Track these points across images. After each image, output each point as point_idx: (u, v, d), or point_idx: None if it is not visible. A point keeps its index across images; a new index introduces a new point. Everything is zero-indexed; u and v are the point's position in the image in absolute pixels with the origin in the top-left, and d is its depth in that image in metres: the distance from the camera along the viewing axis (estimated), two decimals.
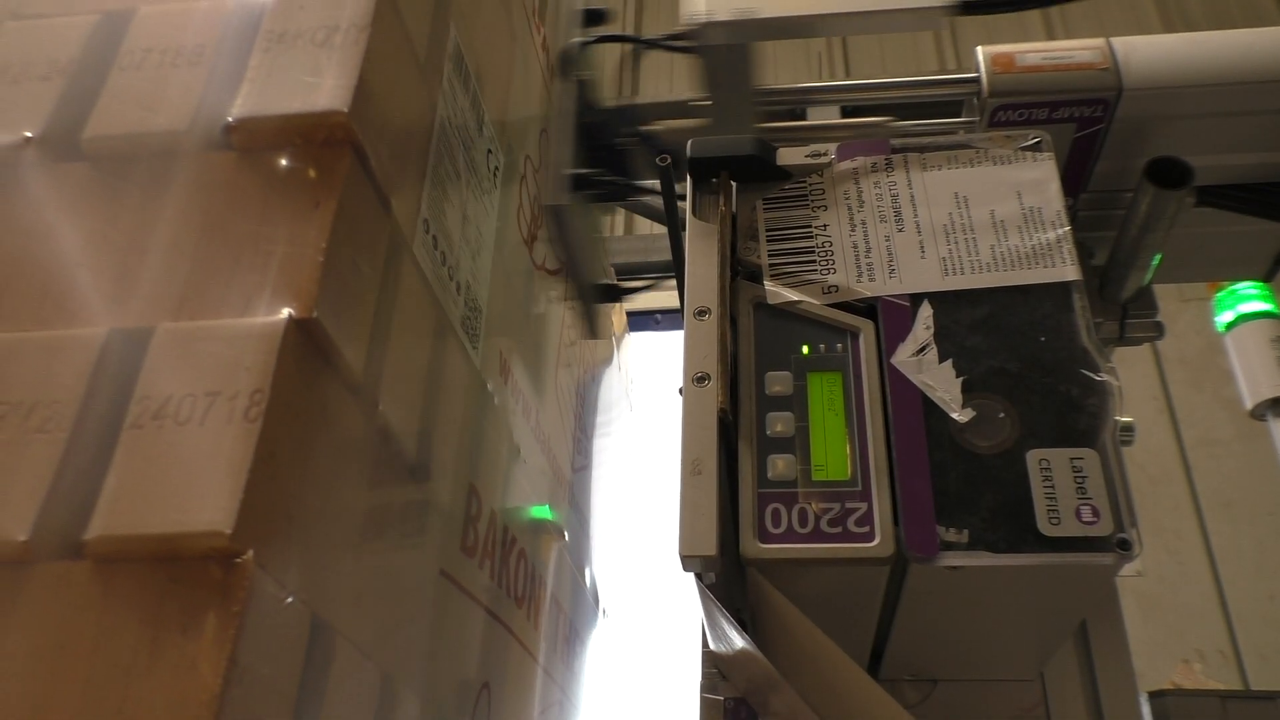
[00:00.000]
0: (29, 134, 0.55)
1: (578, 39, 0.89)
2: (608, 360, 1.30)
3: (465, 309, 0.68)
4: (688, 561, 0.49)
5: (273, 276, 0.47)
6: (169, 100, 0.54)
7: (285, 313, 0.46)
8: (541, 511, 0.91)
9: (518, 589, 0.81)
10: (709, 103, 0.82)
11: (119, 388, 0.45)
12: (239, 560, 0.40)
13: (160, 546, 0.41)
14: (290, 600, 0.43)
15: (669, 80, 3.10)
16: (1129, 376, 2.18)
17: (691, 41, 0.80)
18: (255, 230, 0.49)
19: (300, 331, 0.46)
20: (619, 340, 1.39)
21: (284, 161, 0.51)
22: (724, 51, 0.78)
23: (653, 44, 0.84)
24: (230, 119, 0.52)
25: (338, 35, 0.54)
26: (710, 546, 0.48)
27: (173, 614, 0.40)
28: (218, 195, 0.51)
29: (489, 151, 0.77)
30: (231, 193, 0.51)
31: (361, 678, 0.51)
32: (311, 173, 0.51)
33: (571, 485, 1.04)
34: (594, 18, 0.93)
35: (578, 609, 1.06)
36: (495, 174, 0.78)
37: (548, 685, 0.91)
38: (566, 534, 1.01)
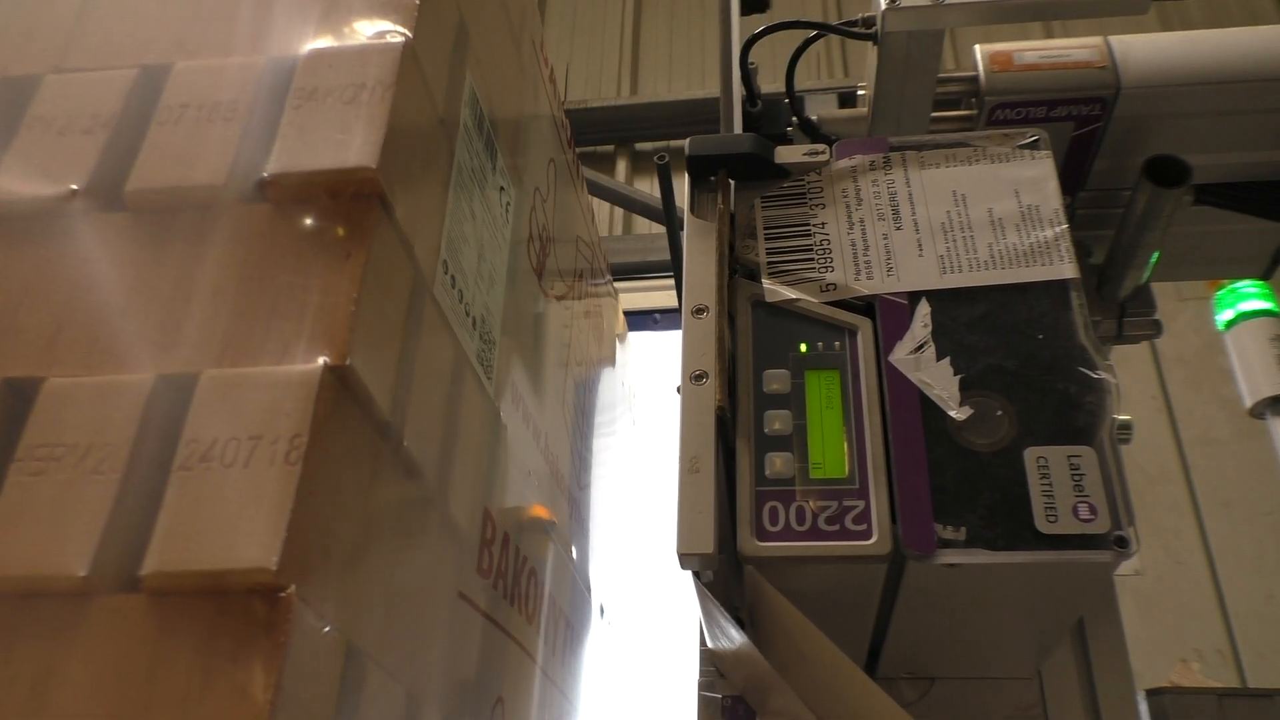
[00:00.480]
0: (75, 186, 0.57)
1: (761, 28, 0.86)
2: (610, 363, 1.30)
3: (480, 342, 0.71)
4: (685, 559, 0.49)
5: (308, 325, 0.50)
6: (206, 155, 0.56)
7: (321, 360, 0.49)
8: (549, 529, 0.93)
9: (528, 606, 0.84)
10: (875, 92, 0.79)
11: (167, 431, 0.48)
12: (283, 595, 0.43)
13: (210, 581, 0.44)
14: (328, 630, 0.46)
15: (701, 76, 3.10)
16: (1127, 376, 2.18)
17: (870, 29, 0.78)
18: (290, 281, 0.52)
19: (335, 377, 0.49)
20: (621, 339, 1.40)
21: (316, 214, 0.54)
22: (904, 39, 0.76)
23: (832, 30, 0.82)
24: (265, 174, 0.55)
25: (364, 93, 0.56)
26: (708, 544, 0.48)
27: (223, 644, 0.43)
28: (254, 247, 0.54)
29: (501, 188, 0.79)
30: (267, 244, 0.53)
31: (389, 698, 0.54)
32: (342, 225, 0.53)
33: (577, 501, 1.06)
34: (754, 5, 0.91)
35: (583, 620, 1.08)
36: (507, 209, 0.81)
37: (555, 695, 0.93)
38: (574, 549, 1.03)
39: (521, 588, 0.82)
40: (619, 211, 2.82)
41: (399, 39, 0.59)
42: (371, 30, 0.60)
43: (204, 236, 0.54)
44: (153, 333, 0.52)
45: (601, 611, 1.17)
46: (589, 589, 1.11)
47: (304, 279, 0.52)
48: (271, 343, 0.50)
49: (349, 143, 0.54)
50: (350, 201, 0.54)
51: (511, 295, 0.80)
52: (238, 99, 0.58)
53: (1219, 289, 1.56)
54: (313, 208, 0.54)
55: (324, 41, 0.60)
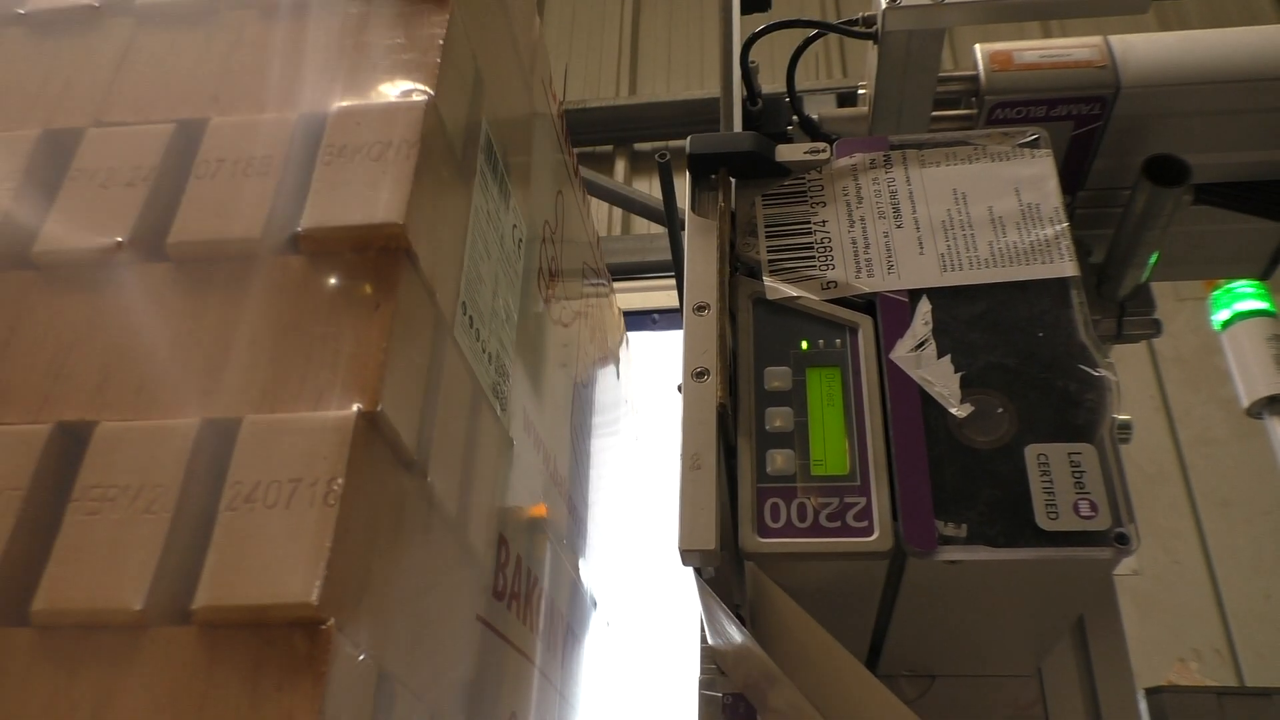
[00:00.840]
0: (120, 238, 0.59)
1: (761, 27, 0.86)
2: (609, 364, 1.31)
3: (495, 375, 0.74)
4: (687, 556, 0.49)
5: (341, 374, 0.54)
6: (242, 209, 0.59)
7: (355, 407, 0.52)
8: (554, 542, 0.95)
9: (538, 622, 0.88)
10: (875, 91, 0.80)
11: (213, 473, 0.51)
12: (323, 627, 0.47)
13: (256, 615, 0.47)
14: (363, 658, 0.49)
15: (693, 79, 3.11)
16: (1125, 376, 2.18)
17: (870, 28, 0.78)
18: (324, 331, 0.55)
19: (367, 422, 0.52)
20: (619, 340, 1.40)
21: (347, 266, 0.57)
22: (905, 38, 0.76)
23: (832, 29, 0.82)
24: (299, 229, 0.58)
25: (391, 150, 0.60)
26: (709, 540, 0.48)
27: (269, 673, 0.46)
28: (289, 297, 0.57)
29: (514, 226, 0.82)
30: (301, 295, 0.57)
31: (416, 718, 0.57)
32: (371, 276, 0.57)
33: (577, 507, 1.09)
34: (754, 4, 0.91)
35: (587, 626, 1.11)
36: (519, 245, 0.84)
37: (563, 708, 0.97)
38: (575, 555, 1.05)
39: (532, 606, 0.86)
40: (617, 211, 2.82)
41: (422, 98, 0.62)
42: (396, 90, 0.62)
43: (242, 287, 0.57)
44: (196, 379, 0.55)
45: (608, 624, 1.19)
46: (591, 596, 1.12)
47: (336, 329, 0.55)
48: (307, 390, 0.53)
49: (377, 199, 0.57)
50: (378, 254, 0.57)
51: (523, 325, 0.84)
52: (271, 154, 0.61)
53: (1215, 289, 1.56)
54: (344, 260, 0.57)
55: (352, 99, 0.62)
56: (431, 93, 0.62)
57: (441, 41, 0.64)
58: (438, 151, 0.63)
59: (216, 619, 0.47)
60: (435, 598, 0.62)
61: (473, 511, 0.69)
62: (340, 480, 0.49)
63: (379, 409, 0.52)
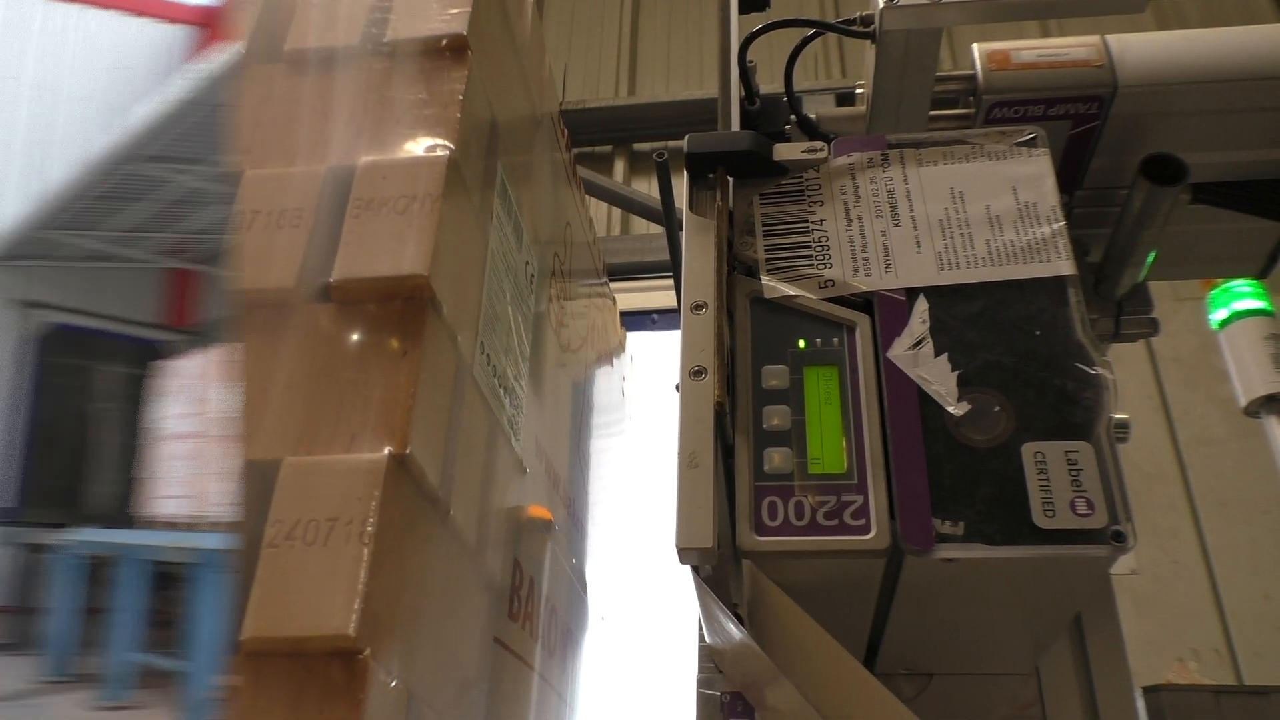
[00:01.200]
0: None
1: (758, 26, 0.87)
2: (608, 364, 1.31)
3: (510, 408, 0.78)
4: (684, 554, 0.49)
5: (372, 418, 0.57)
6: (277, 259, 0.62)
7: (386, 450, 0.55)
8: (560, 555, 0.98)
9: (551, 641, 0.93)
10: (873, 90, 0.80)
11: (256, 511, 0.55)
12: (360, 657, 0.50)
13: (297, 645, 0.51)
14: (394, 683, 0.53)
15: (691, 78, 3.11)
16: (1123, 376, 2.18)
17: (868, 27, 0.78)
18: (354, 377, 0.59)
19: (397, 464, 0.56)
20: (618, 340, 1.40)
21: (375, 315, 0.60)
22: (903, 38, 0.76)
23: (830, 28, 0.82)
24: (331, 280, 0.61)
25: (415, 204, 0.63)
26: (707, 539, 0.48)
27: (311, 699, 0.50)
28: (322, 344, 0.60)
29: (526, 262, 0.85)
30: (334, 342, 0.60)
31: None
32: (398, 324, 0.60)
33: (583, 522, 1.12)
34: (753, 4, 0.91)
35: (586, 631, 1.14)
36: (532, 280, 0.87)
37: (564, 709, 1.02)
38: (580, 568, 1.08)
39: (546, 626, 0.90)
40: (616, 211, 2.82)
41: (444, 153, 0.65)
42: (420, 146, 0.65)
43: (278, 334, 0.60)
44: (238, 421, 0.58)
45: (605, 624, 1.20)
46: (588, 596, 1.13)
47: (366, 375, 0.58)
48: (341, 433, 0.57)
49: (403, 251, 0.61)
50: (405, 303, 0.60)
51: (535, 356, 0.86)
52: (302, 206, 0.64)
53: (1213, 288, 1.56)
54: (372, 309, 0.61)
55: (377, 153, 0.65)
56: (452, 147, 0.65)
57: (461, 97, 0.67)
58: (458, 202, 0.66)
59: (261, 649, 0.51)
60: (457, 623, 0.65)
61: (490, 539, 0.72)
62: (373, 520, 0.53)
63: (408, 451, 0.55)
